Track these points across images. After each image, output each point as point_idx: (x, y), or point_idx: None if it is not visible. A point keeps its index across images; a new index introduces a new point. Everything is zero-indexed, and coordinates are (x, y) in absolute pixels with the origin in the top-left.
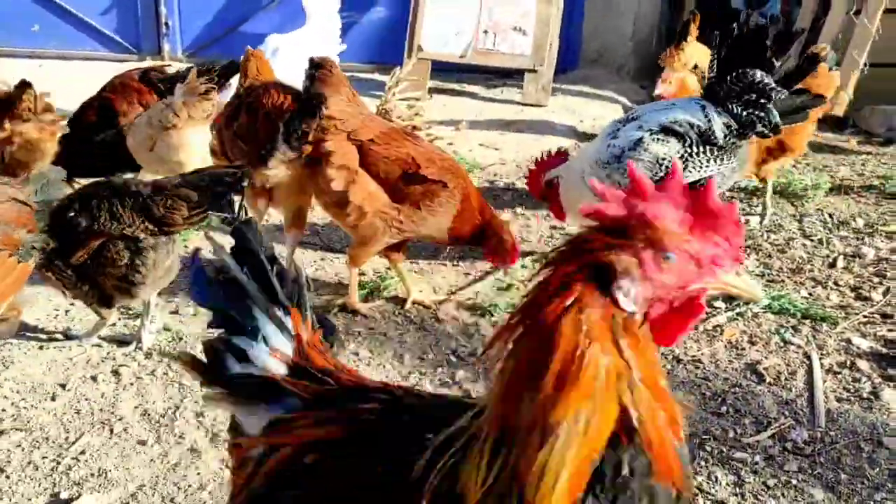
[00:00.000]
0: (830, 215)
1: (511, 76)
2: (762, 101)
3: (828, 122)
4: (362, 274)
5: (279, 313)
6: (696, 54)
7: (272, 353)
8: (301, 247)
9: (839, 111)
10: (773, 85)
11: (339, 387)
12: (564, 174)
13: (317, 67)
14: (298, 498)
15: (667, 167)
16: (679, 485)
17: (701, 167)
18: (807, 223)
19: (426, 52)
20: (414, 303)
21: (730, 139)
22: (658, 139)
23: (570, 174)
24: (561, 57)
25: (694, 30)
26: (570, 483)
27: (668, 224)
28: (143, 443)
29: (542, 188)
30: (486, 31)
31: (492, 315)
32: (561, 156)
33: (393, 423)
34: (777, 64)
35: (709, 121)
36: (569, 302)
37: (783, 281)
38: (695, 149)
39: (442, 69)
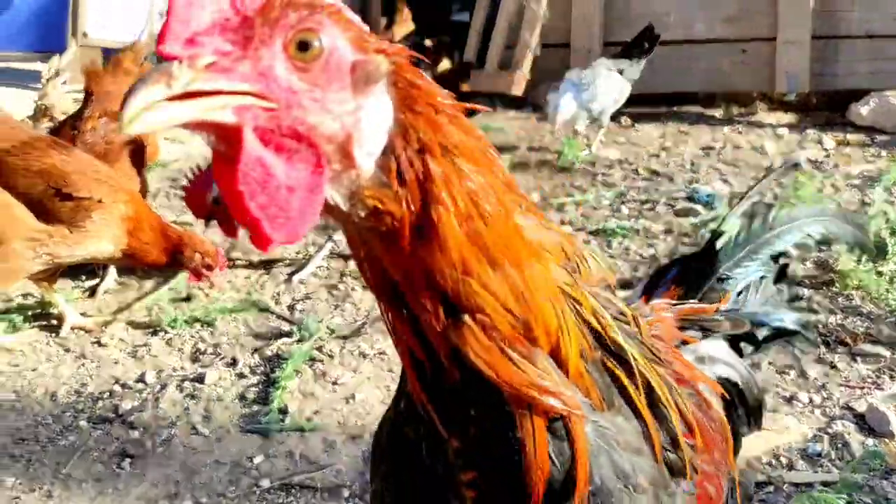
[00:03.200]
0: None
1: None
2: None
3: (508, 101)
4: (9, 300)
5: None
6: None
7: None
8: None
9: (518, 91)
10: None
11: None
12: None
13: None
14: None
15: None
16: None
17: None
18: None
19: (92, 39)
20: (73, 328)
21: None
22: None
23: None
24: None
25: None
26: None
27: None
28: None
29: (209, 207)
30: (162, 14)
31: (167, 332)
32: None
33: None
34: None
35: None
36: None
37: None
38: None
39: None
